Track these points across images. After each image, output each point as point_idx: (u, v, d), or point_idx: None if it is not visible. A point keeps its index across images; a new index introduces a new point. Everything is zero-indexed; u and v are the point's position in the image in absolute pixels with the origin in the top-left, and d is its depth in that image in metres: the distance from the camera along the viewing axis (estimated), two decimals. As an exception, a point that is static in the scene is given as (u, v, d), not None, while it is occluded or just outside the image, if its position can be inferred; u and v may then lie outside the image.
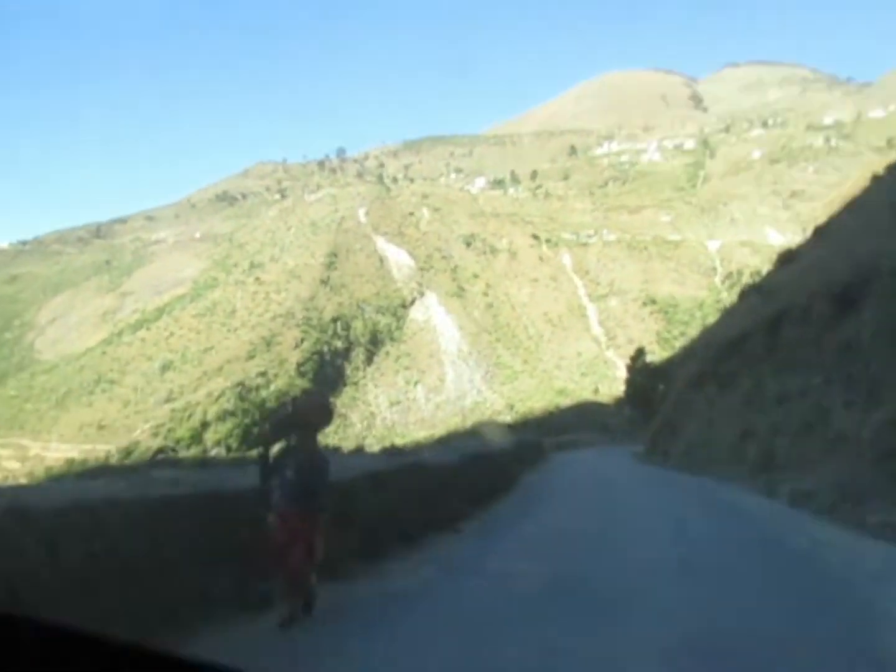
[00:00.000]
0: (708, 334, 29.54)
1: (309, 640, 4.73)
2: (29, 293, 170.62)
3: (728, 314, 30.77)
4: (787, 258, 25.95)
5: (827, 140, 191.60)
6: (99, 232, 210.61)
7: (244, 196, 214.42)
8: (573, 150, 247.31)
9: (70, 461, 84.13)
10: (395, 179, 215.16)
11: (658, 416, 28.35)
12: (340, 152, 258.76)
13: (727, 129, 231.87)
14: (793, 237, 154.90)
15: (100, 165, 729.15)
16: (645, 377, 35.05)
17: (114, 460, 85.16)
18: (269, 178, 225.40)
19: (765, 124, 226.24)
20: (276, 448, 5.56)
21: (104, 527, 3.54)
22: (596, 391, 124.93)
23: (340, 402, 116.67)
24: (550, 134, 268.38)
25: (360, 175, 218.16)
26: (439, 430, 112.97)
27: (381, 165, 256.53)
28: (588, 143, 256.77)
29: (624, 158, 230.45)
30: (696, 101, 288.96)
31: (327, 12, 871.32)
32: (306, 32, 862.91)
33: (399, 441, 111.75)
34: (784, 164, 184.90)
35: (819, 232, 27.16)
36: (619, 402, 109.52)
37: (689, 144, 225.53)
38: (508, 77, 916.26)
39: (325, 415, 6.28)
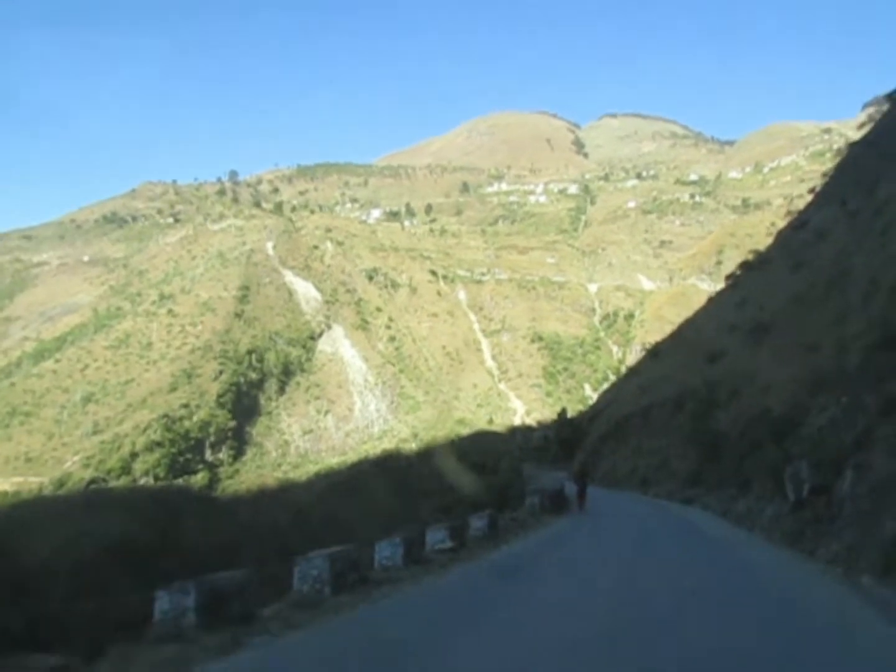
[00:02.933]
0: (608, 407, 49.06)
1: (581, 517, 21.64)
2: None
3: (617, 388, 50.28)
4: (654, 352, 45.43)
5: (692, 196, 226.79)
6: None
7: (134, 218, 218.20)
8: (465, 187, 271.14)
9: (3, 494, 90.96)
10: (293, 208, 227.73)
11: (579, 456, 46.97)
12: (233, 175, 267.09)
13: (606, 178, 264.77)
14: (661, 284, 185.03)
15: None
16: (567, 429, 52.88)
17: (47, 491, 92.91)
18: (159, 200, 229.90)
19: (639, 175, 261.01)
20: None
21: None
22: (490, 421, 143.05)
23: (256, 431, 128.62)
24: (443, 169, 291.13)
25: (256, 203, 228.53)
26: (350, 457, 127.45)
27: (276, 190, 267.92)
28: (479, 180, 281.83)
29: (513, 199, 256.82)
30: (579, 146, 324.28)
31: (214, 28, 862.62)
32: (195, 49, 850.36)
33: (313, 468, 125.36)
34: (654, 215, 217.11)
35: (673, 335, 46.89)
36: (513, 431, 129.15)
37: (573, 189, 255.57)
38: (400, 108, 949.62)
39: (588, 469, 25.67)
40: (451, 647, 5.24)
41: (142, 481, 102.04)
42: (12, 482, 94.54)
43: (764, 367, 26.40)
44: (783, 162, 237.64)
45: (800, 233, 49.09)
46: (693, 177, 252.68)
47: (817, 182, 69.89)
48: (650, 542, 13.26)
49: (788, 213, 68.89)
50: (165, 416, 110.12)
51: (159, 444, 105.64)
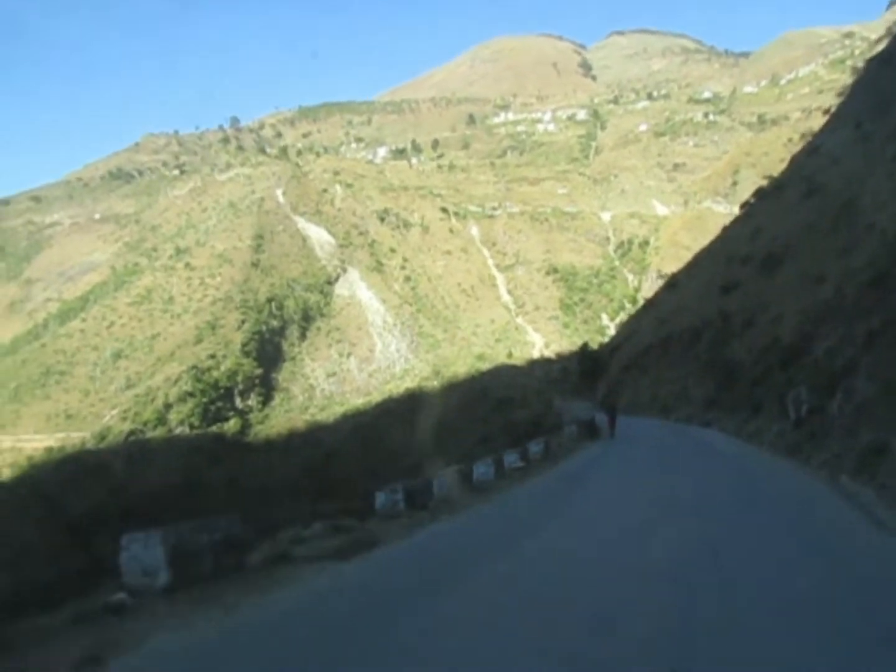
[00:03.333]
0: (628, 339, 51.83)
1: (612, 441, 24.69)
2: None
3: (637, 320, 52.95)
4: (671, 283, 47.80)
5: (706, 115, 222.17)
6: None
7: (140, 172, 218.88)
8: (471, 119, 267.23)
9: (49, 449, 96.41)
10: (299, 152, 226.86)
11: (602, 387, 50.03)
12: (234, 122, 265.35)
13: (615, 101, 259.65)
14: (675, 208, 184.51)
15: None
16: (589, 361, 55.79)
17: (90, 445, 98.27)
18: (163, 153, 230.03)
19: (650, 96, 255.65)
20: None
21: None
22: (510, 355, 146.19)
23: (281, 376, 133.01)
24: (448, 101, 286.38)
25: (261, 149, 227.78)
26: (375, 397, 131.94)
27: (279, 135, 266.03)
28: (485, 111, 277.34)
29: (520, 128, 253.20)
30: (586, 68, 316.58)
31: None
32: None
33: (339, 409, 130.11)
34: (667, 137, 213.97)
35: (689, 265, 49.15)
36: (531, 364, 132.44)
37: (581, 115, 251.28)
38: (400, 40, 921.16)
39: (615, 399, 29.22)
40: (557, 514, 8.30)
41: (177, 430, 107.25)
42: (56, 438, 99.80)
43: (776, 297, 28.82)
44: (801, 72, 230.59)
45: (813, 158, 49.82)
46: (706, 94, 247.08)
47: (837, 94, 69.32)
48: (675, 457, 16.29)
49: (803, 135, 69.24)
50: (194, 367, 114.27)
51: (191, 395, 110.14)
